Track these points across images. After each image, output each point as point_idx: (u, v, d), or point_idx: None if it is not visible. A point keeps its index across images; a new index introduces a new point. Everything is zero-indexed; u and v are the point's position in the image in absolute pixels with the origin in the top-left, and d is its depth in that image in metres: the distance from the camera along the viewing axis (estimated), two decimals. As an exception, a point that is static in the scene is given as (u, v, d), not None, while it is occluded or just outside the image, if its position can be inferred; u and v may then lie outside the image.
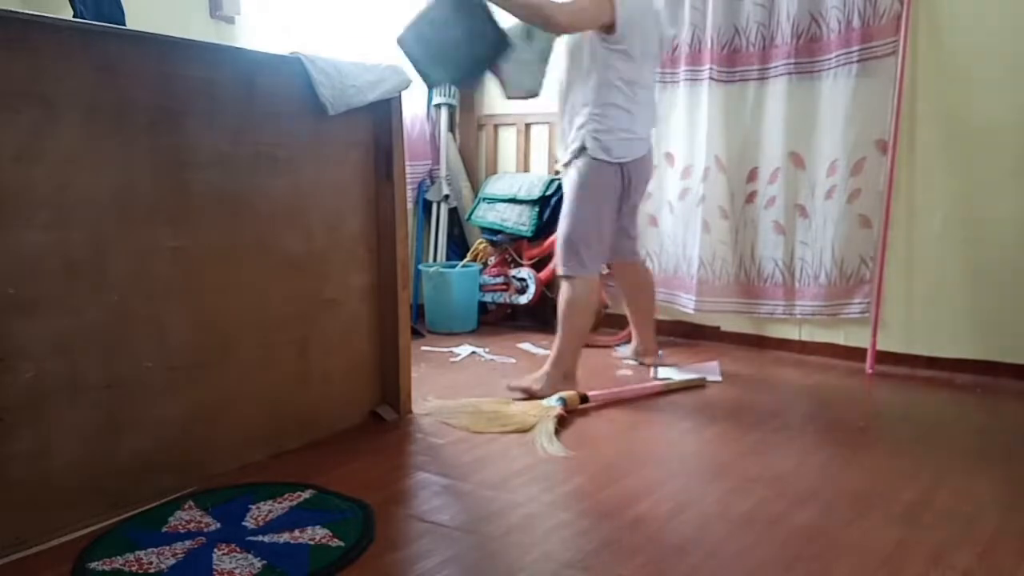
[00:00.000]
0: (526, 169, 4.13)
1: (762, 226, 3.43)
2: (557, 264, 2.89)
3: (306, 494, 1.97)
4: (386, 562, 1.67)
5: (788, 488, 2.03)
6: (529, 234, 3.85)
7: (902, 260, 3.17)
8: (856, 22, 3.10)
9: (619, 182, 2.79)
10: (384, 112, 2.42)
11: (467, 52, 2.52)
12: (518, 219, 3.87)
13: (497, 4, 2.50)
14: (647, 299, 3.24)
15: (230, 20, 3.04)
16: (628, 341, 3.61)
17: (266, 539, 1.74)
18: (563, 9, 2.53)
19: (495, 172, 4.22)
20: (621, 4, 2.61)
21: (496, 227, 3.93)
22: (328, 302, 2.36)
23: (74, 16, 2.38)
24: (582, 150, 2.74)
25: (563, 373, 2.79)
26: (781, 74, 3.29)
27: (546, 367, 2.81)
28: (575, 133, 2.77)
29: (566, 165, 2.85)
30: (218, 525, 1.81)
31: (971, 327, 3.07)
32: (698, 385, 2.95)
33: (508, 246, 3.98)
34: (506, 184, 4.00)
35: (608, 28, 2.62)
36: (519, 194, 3.89)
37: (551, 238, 3.90)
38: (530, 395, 2.71)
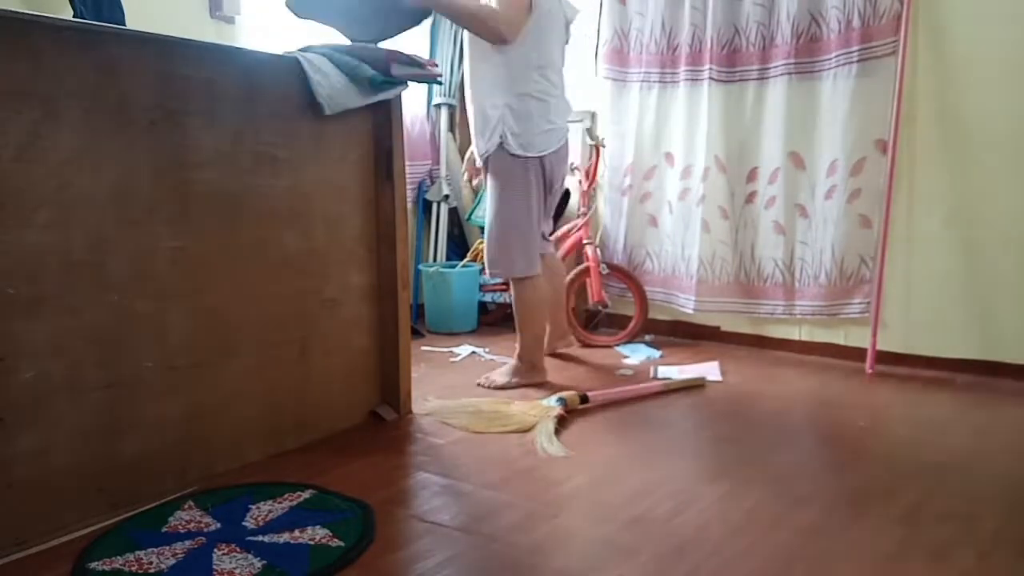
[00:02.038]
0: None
1: (762, 226, 3.43)
2: (491, 268, 2.88)
3: (306, 494, 1.97)
4: (386, 562, 1.67)
5: (788, 488, 2.03)
6: None
7: (902, 260, 3.17)
8: (856, 22, 3.10)
9: (541, 175, 2.80)
10: (384, 112, 2.42)
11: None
12: None
13: (441, 12, 2.61)
14: (558, 284, 3.26)
15: (230, 20, 3.04)
16: (629, 340, 3.62)
17: (266, 539, 1.74)
18: (495, 19, 2.54)
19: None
20: None
21: None
22: (328, 302, 2.36)
23: (74, 16, 2.38)
24: (501, 146, 2.72)
25: (529, 364, 2.93)
26: (781, 74, 3.29)
27: (513, 361, 2.96)
28: (492, 126, 2.72)
29: (484, 158, 2.80)
30: (218, 525, 1.81)
31: (971, 327, 3.07)
32: (698, 385, 2.95)
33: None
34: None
35: None
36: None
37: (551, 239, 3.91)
38: (499, 388, 2.85)
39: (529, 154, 2.73)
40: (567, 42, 2.91)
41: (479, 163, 2.86)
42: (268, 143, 2.15)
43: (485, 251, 2.88)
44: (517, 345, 2.96)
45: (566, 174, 3.01)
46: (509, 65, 2.65)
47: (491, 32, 2.57)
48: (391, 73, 2.30)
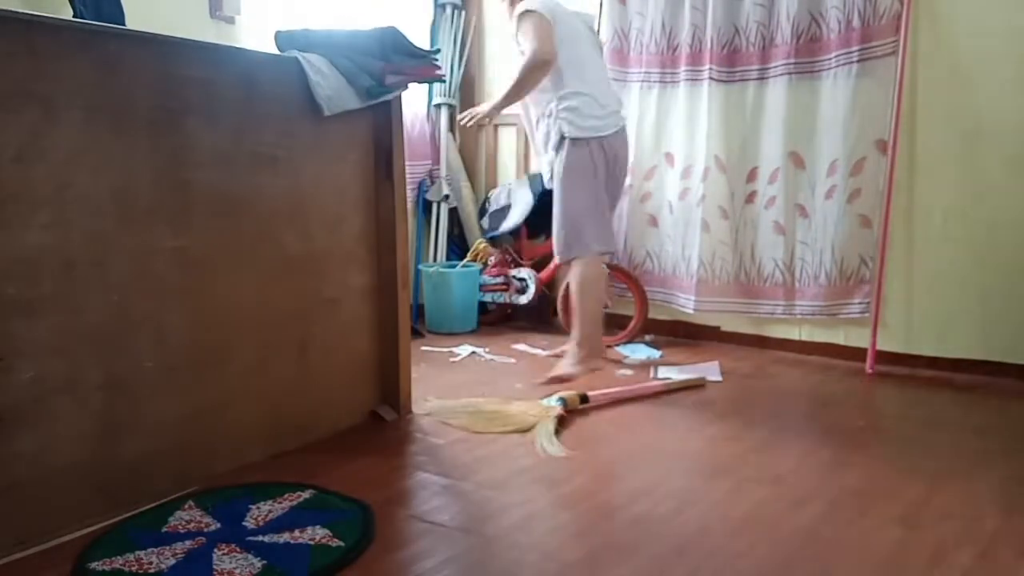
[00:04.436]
0: (526, 170, 4.13)
1: (762, 226, 3.43)
2: (557, 251, 3.02)
3: (306, 494, 1.97)
4: (386, 562, 1.67)
5: (788, 488, 2.03)
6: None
7: (902, 260, 3.17)
8: (856, 22, 3.10)
9: (603, 156, 2.96)
10: (384, 112, 2.42)
11: None
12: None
13: (504, 104, 3.00)
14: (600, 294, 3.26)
15: (230, 20, 3.04)
16: (629, 340, 3.62)
17: (266, 539, 1.74)
18: (534, 53, 2.82)
19: (495, 172, 4.23)
20: (541, 4, 2.87)
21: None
22: (328, 302, 2.36)
23: (74, 16, 2.38)
24: (561, 139, 2.93)
25: (589, 351, 2.96)
26: (781, 74, 3.29)
27: (571, 349, 2.99)
28: (549, 132, 2.98)
29: (551, 164, 3.02)
30: (218, 525, 1.81)
31: (971, 327, 3.07)
32: (698, 385, 2.94)
33: (509, 246, 3.99)
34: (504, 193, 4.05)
35: None
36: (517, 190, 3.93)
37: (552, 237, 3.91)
38: (566, 380, 2.86)
39: (587, 135, 2.91)
40: (600, 45, 3.26)
41: (544, 148, 3.05)
42: (268, 143, 2.15)
43: (556, 239, 3.00)
44: (575, 333, 3.00)
45: (628, 161, 3.19)
46: (550, 79, 2.92)
47: (540, 70, 2.85)
48: (386, 83, 2.30)
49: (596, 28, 3.17)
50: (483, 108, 3.15)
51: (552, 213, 3.07)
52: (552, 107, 2.95)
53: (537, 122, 3.08)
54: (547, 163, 3.07)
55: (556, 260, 3.10)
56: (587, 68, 3.00)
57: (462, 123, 3.26)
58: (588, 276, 2.98)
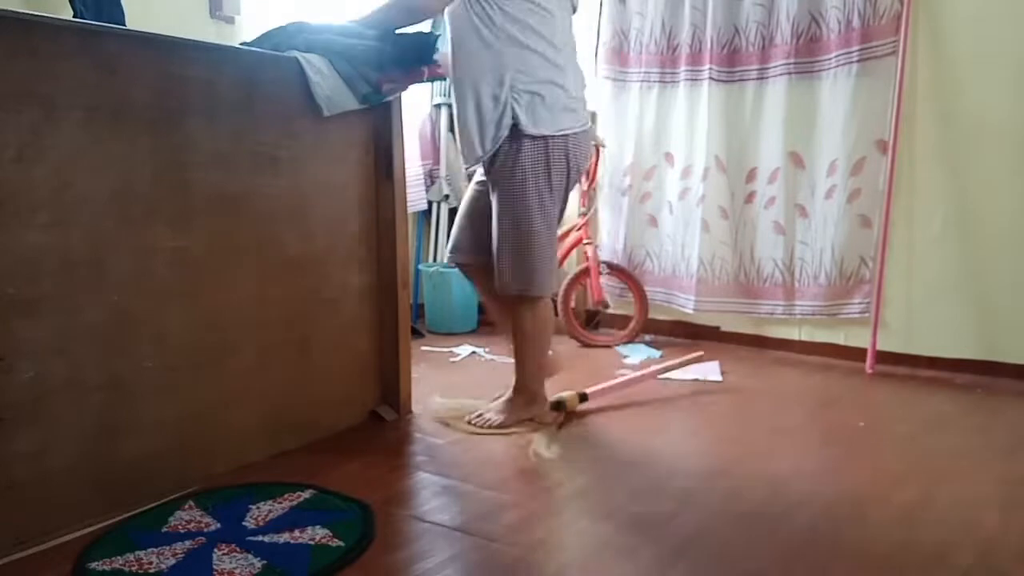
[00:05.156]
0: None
1: (762, 226, 3.43)
2: (504, 283, 2.35)
3: (306, 494, 1.97)
4: (386, 562, 1.67)
5: (788, 488, 2.03)
6: None
7: (902, 260, 3.17)
8: (856, 22, 3.10)
9: (564, 163, 2.30)
10: (384, 112, 2.42)
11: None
12: None
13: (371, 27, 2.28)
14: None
15: (230, 20, 3.04)
16: (629, 340, 3.62)
17: (266, 539, 1.74)
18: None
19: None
20: None
21: None
22: (328, 302, 2.36)
23: (74, 16, 2.38)
24: (514, 128, 2.22)
25: (531, 395, 2.51)
26: (781, 74, 3.29)
27: (508, 394, 2.53)
28: (494, 116, 2.24)
29: (488, 163, 2.31)
30: (218, 525, 1.81)
31: (971, 327, 3.07)
32: (698, 360, 2.99)
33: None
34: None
35: None
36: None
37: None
38: (496, 428, 2.44)
39: (550, 132, 2.24)
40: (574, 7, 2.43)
41: (475, 171, 2.45)
42: (268, 143, 2.15)
43: (503, 266, 2.33)
44: (515, 375, 2.51)
45: (585, 169, 2.51)
46: (512, 52, 2.21)
47: (414, 11, 2.28)
48: (382, 91, 2.30)
49: None
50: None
51: (471, 228, 2.47)
52: (502, 88, 2.22)
53: (473, 105, 2.28)
54: (474, 162, 2.35)
55: (499, 291, 2.39)
56: (565, 47, 2.31)
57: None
58: (541, 319, 2.44)
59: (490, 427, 2.45)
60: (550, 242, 2.35)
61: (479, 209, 2.46)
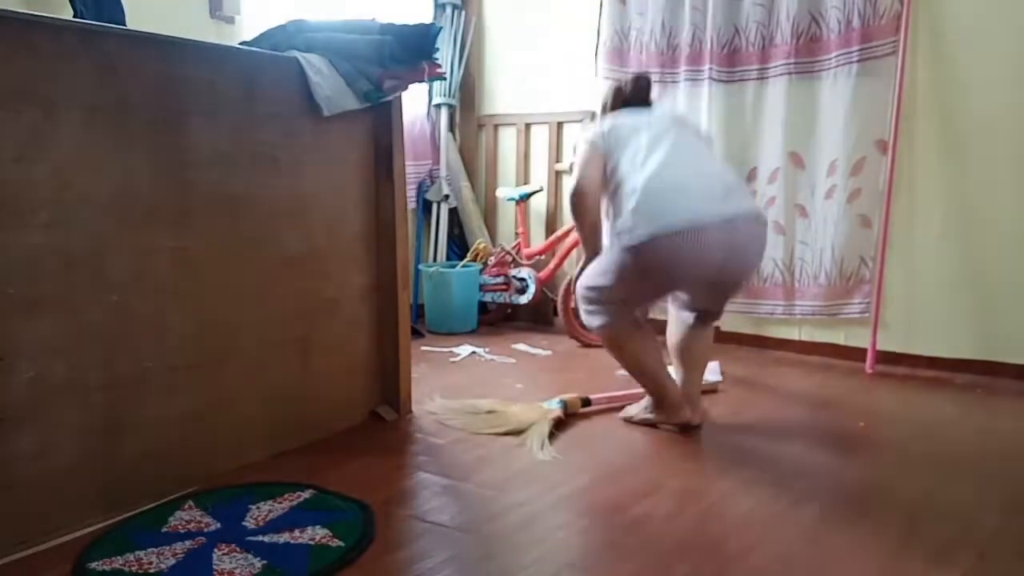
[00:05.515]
0: (527, 170, 4.13)
1: (762, 226, 3.43)
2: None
3: (306, 494, 1.97)
4: (386, 562, 1.67)
5: (788, 488, 2.03)
6: None
7: (902, 260, 3.17)
8: (856, 22, 3.10)
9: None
10: (384, 112, 2.42)
11: None
12: None
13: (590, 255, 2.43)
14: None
15: (230, 20, 3.04)
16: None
17: (266, 539, 1.74)
18: (576, 188, 2.36)
19: (495, 172, 4.23)
20: (600, 129, 2.40)
21: None
22: (328, 302, 2.36)
23: (74, 16, 2.38)
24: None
25: (656, 403, 2.50)
26: (781, 74, 3.29)
27: (645, 403, 2.57)
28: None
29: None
30: (218, 525, 1.81)
31: (971, 327, 3.07)
32: (710, 390, 2.86)
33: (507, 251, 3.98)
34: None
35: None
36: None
37: (550, 239, 3.91)
38: (638, 422, 2.54)
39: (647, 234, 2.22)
40: (706, 143, 2.55)
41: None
42: (268, 143, 2.15)
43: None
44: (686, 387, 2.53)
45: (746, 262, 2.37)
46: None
47: (577, 199, 2.37)
48: (383, 88, 2.30)
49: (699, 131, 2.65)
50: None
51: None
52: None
53: None
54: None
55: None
56: (657, 155, 2.29)
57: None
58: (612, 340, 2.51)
59: (628, 419, 2.56)
60: None
61: None
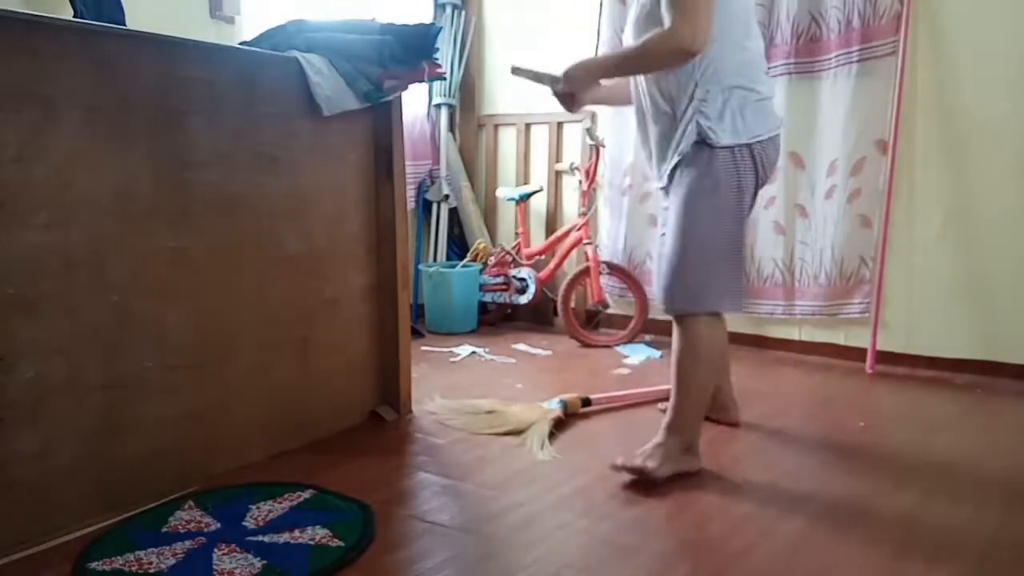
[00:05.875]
0: (527, 170, 4.13)
1: (762, 226, 3.43)
2: (669, 299, 2.09)
3: (306, 494, 1.97)
4: (386, 562, 1.67)
5: (787, 488, 2.03)
6: None
7: (902, 260, 3.17)
8: (856, 22, 3.10)
9: (753, 172, 2.01)
10: (384, 112, 2.42)
11: None
12: None
13: (599, 74, 2.09)
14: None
15: (230, 20, 3.04)
16: (629, 340, 3.62)
17: (266, 539, 1.74)
18: (680, 36, 1.81)
19: (495, 172, 4.23)
20: None
21: None
22: (328, 302, 2.36)
23: (74, 16, 2.38)
24: (699, 144, 1.97)
25: (686, 442, 2.09)
26: (781, 74, 3.29)
27: (659, 437, 2.10)
28: (674, 136, 2.02)
29: (668, 179, 2.07)
30: (218, 525, 1.81)
31: (971, 327, 3.07)
32: None
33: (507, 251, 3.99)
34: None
35: None
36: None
37: (550, 239, 3.91)
38: (644, 475, 2.03)
39: (742, 140, 1.96)
40: None
41: (658, 177, 2.15)
42: (268, 143, 2.15)
43: (671, 282, 2.07)
44: (672, 414, 2.10)
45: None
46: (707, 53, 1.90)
47: (672, 57, 1.88)
48: (383, 88, 2.30)
49: None
50: (557, 71, 2.10)
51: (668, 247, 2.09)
52: (690, 101, 1.96)
53: (652, 118, 2.07)
54: (659, 177, 2.12)
55: (665, 310, 2.13)
56: (752, 35, 2.02)
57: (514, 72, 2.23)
58: (708, 340, 2.06)
59: (644, 474, 2.03)
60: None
61: None
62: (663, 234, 2.13)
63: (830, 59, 3.18)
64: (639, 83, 2.11)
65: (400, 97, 2.45)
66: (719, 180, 1.97)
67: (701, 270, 2.02)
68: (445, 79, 4.02)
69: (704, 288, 2.03)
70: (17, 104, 1.64)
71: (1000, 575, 1.64)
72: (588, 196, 3.73)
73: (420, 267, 3.98)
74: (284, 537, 1.75)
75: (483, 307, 4.03)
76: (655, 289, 2.09)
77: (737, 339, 3.58)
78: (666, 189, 2.10)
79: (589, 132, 3.78)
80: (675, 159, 2.02)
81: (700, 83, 1.95)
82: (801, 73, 3.26)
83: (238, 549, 1.70)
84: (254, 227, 2.14)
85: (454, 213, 4.17)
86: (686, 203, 2.01)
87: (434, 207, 4.09)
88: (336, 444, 2.34)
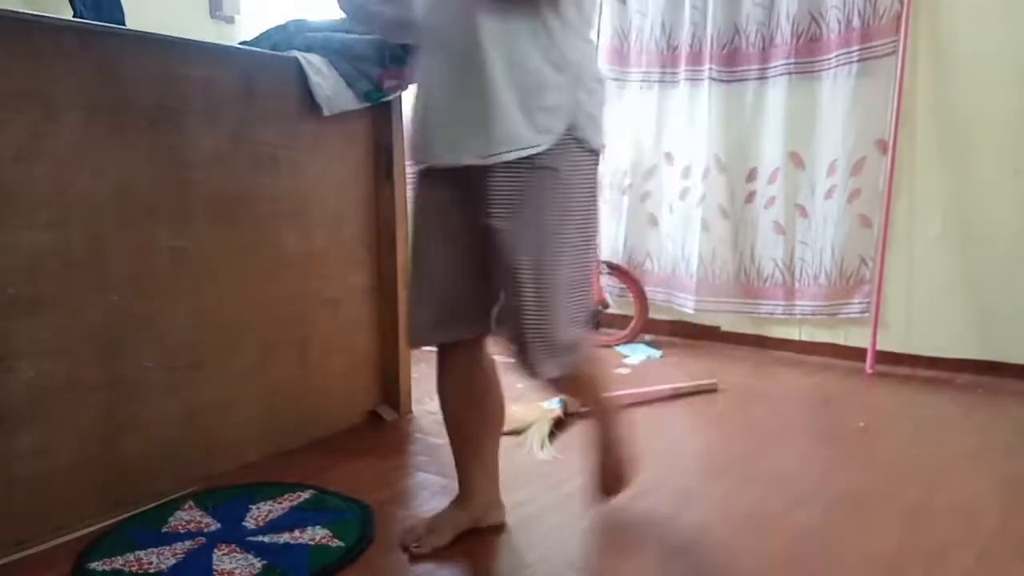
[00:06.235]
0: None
1: (762, 226, 3.43)
2: (557, 361, 1.63)
3: (306, 494, 1.97)
4: (386, 562, 1.67)
5: (788, 488, 2.03)
6: None
7: (902, 260, 3.16)
8: (856, 22, 3.10)
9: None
10: (384, 112, 2.42)
11: None
12: None
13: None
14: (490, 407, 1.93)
15: (230, 20, 3.05)
16: (630, 340, 3.62)
17: (266, 539, 1.74)
18: None
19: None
20: None
21: None
22: (328, 302, 2.36)
23: (74, 16, 2.39)
24: (569, 140, 1.59)
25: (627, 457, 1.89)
26: (781, 74, 3.29)
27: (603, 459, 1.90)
28: (549, 104, 1.55)
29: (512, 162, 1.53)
30: (218, 525, 1.81)
31: (971, 327, 3.07)
32: (710, 389, 2.87)
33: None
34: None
35: None
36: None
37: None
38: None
39: (598, 146, 1.72)
40: None
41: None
42: (268, 143, 2.15)
43: (553, 335, 1.60)
44: (605, 441, 1.89)
45: None
46: (553, 26, 1.52)
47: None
48: (383, 88, 2.30)
49: None
50: None
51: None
52: (541, 73, 1.53)
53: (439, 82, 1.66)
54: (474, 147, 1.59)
55: (549, 374, 1.67)
56: (591, 27, 1.71)
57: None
58: (595, 376, 1.84)
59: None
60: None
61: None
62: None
63: (830, 59, 3.18)
64: None
65: (400, 97, 2.45)
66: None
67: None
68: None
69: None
70: (17, 104, 1.64)
71: (1000, 575, 1.64)
72: (588, 196, 3.72)
73: (420, 267, 3.97)
74: (284, 537, 1.75)
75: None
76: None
77: (737, 339, 3.59)
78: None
79: (589, 132, 3.77)
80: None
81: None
82: (801, 73, 3.26)
83: (238, 549, 1.70)
84: (254, 227, 2.14)
85: (454, 213, 4.16)
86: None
87: (434, 207, 4.08)
88: (336, 444, 2.34)
